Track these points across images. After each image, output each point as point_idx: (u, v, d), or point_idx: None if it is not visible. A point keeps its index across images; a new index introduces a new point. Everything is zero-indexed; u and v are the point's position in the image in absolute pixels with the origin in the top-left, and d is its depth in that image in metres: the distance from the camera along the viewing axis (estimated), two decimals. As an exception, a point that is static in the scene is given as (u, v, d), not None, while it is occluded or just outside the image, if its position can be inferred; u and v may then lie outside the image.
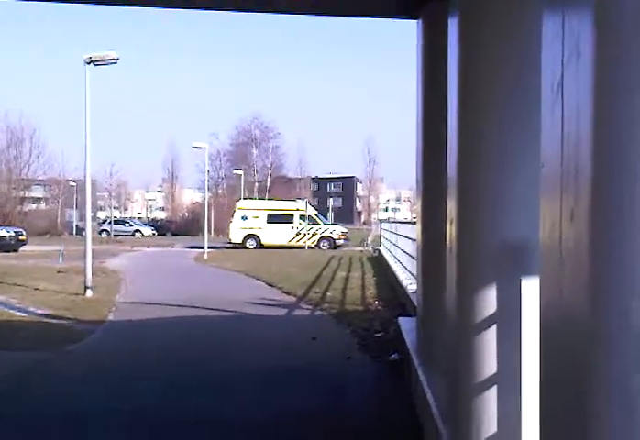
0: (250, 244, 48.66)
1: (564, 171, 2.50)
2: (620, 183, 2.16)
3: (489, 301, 4.60)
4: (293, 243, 48.71)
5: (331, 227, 50.95)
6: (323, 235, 49.29)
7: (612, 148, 2.19)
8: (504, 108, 4.67)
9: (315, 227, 49.36)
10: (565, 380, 2.56)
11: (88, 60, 20.88)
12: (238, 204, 52.12)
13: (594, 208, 2.25)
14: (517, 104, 4.59)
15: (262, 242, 48.57)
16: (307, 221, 49.12)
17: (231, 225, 50.42)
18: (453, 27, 5.42)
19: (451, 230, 5.26)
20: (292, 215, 49.74)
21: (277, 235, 48.79)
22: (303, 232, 49.06)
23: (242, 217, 49.43)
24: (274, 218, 49.44)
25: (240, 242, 48.84)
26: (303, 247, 47.27)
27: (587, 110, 2.28)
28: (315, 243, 48.80)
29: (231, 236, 49.91)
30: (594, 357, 2.29)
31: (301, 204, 51.15)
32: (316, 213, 52.66)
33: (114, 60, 21.29)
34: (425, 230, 8.18)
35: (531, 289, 4.38)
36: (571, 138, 2.42)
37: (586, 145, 2.29)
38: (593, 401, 2.30)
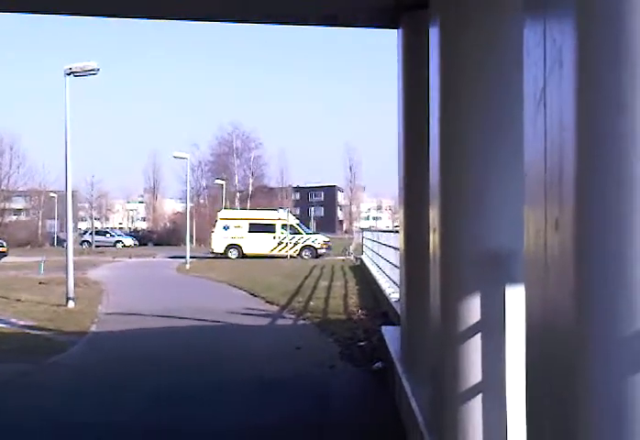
0: (232, 253, 48.59)
1: (547, 180, 2.50)
2: (604, 191, 2.17)
3: (473, 309, 4.60)
4: (275, 252, 48.65)
5: (313, 236, 50.96)
6: (305, 244, 49.28)
7: (596, 156, 2.19)
8: (486, 117, 4.69)
9: (297, 237, 49.35)
10: (550, 388, 2.56)
11: (68, 71, 20.84)
12: (220, 214, 52.11)
13: (579, 216, 2.26)
14: (499, 113, 4.60)
15: (244, 252, 48.49)
16: (289, 230, 49.09)
17: (213, 234, 50.35)
18: (434, 35, 5.44)
19: (434, 239, 5.27)
20: (274, 225, 49.71)
21: (259, 244, 48.72)
22: (284, 241, 49.02)
23: (224, 227, 49.36)
24: (256, 228, 49.38)
25: (222, 252, 48.75)
26: (286, 257, 47.22)
27: (570, 118, 2.28)
28: (297, 252, 48.78)
29: (213, 246, 49.85)
30: (579, 364, 2.29)
31: (282, 214, 51.11)
32: (298, 222, 52.67)
33: (94, 71, 21.26)
34: (408, 238, 8.18)
35: (515, 297, 4.38)
36: (555, 147, 2.43)
37: (569, 153, 2.29)
38: (579, 408, 2.30)
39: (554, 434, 2.54)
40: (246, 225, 49.50)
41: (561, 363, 2.42)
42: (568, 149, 2.31)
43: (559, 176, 2.37)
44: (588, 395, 2.26)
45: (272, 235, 49.33)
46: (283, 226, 49.36)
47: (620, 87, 2.13)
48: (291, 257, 47.45)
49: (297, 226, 50.58)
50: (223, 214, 52.24)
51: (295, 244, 49.06)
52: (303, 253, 48.75)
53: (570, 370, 2.34)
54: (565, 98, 2.33)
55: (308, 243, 49.37)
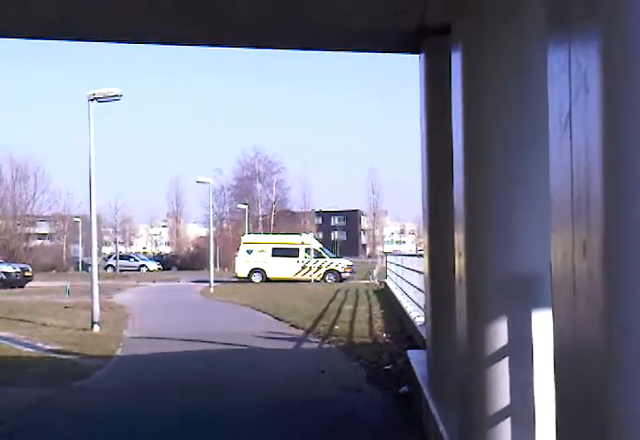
0: (256, 277, 48.53)
1: (574, 204, 2.52)
2: (632, 215, 2.18)
3: (500, 332, 4.60)
4: (299, 276, 48.55)
5: (336, 260, 50.82)
6: (328, 268, 49.14)
7: (622, 181, 2.20)
8: (509, 140, 4.71)
9: (321, 261, 49.24)
10: (580, 412, 2.55)
11: (91, 97, 20.99)
12: (244, 239, 52.11)
13: (607, 240, 2.26)
14: (522, 136, 4.62)
15: (268, 276, 48.44)
16: (312, 254, 49.03)
17: (236, 258, 50.38)
18: (456, 60, 5.47)
19: (460, 263, 5.27)
20: (298, 249, 49.62)
21: (282, 268, 48.64)
22: (308, 265, 48.94)
23: (247, 251, 49.35)
24: (279, 252, 49.32)
25: (246, 276, 48.72)
26: (309, 281, 47.17)
27: (596, 143, 2.30)
28: (321, 276, 48.65)
29: (237, 270, 49.84)
30: (610, 388, 2.29)
31: (306, 238, 51.09)
32: (321, 246, 52.61)
33: (117, 97, 21.41)
34: (433, 262, 8.18)
35: (542, 321, 4.38)
36: (581, 171, 2.44)
37: (596, 177, 2.30)
38: (611, 432, 2.30)
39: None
40: (269, 249, 49.46)
41: (591, 387, 2.42)
42: (594, 174, 2.32)
43: (586, 200, 2.39)
44: (619, 419, 2.25)
45: (296, 259, 49.24)
46: (307, 250, 49.31)
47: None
48: (314, 281, 47.37)
49: (320, 250, 50.51)
50: (246, 238, 52.23)
51: (319, 268, 48.96)
52: (327, 277, 48.61)
53: (601, 395, 2.34)
54: (590, 123, 2.34)
55: (332, 267, 49.23)
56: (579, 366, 2.55)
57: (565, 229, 2.63)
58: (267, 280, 47.84)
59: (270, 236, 57.99)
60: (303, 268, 49.03)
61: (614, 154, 2.23)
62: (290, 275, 48.25)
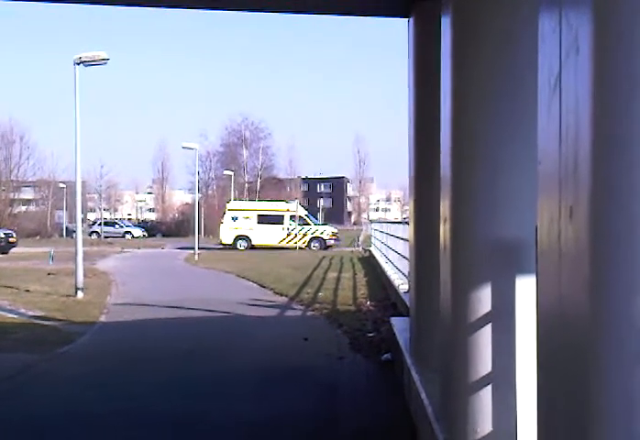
0: (241, 245, 48.59)
1: (562, 168, 2.48)
2: (620, 179, 2.14)
3: (483, 299, 4.58)
4: (284, 244, 48.64)
5: (321, 228, 50.90)
6: (313, 235, 49.24)
7: (612, 144, 2.16)
8: (498, 106, 4.66)
9: (306, 228, 49.31)
10: (564, 378, 2.54)
11: (78, 61, 20.79)
12: (229, 205, 51.99)
13: (594, 205, 2.23)
14: (512, 103, 4.57)
15: (253, 243, 48.50)
16: (298, 221, 49.06)
17: (221, 226, 50.33)
18: (446, 25, 5.39)
19: (445, 229, 5.24)
20: (283, 216, 49.66)
21: (268, 235, 48.70)
22: (293, 233, 48.99)
23: (232, 218, 49.32)
24: (265, 219, 49.35)
25: (231, 243, 48.76)
26: (294, 248, 47.26)
27: (586, 105, 2.26)
28: (306, 243, 48.74)
29: (222, 237, 49.82)
30: (593, 354, 2.27)
31: (291, 205, 51.09)
32: (307, 213, 52.62)
33: (104, 61, 21.20)
34: (418, 229, 8.15)
35: (526, 287, 4.37)
36: (570, 134, 2.40)
37: (585, 140, 2.26)
38: (593, 398, 2.28)
39: (566, 423, 2.52)
40: (254, 216, 49.46)
41: (574, 353, 2.40)
42: (583, 137, 2.28)
43: (574, 163, 2.35)
44: (601, 384, 2.24)
45: (281, 226, 49.28)
46: (292, 218, 49.33)
47: (637, 73, 2.11)
48: (299, 248, 47.46)
49: (306, 218, 50.55)
50: (232, 205, 52.09)
51: (304, 235, 49.03)
52: (312, 244, 48.72)
53: (584, 360, 2.32)
54: (581, 84, 2.30)
55: (317, 234, 49.33)
56: (562, 331, 2.53)
57: (552, 193, 2.60)
58: (252, 247, 47.88)
59: (256, 203, 58.00)
60: (288, 235, 49.12)
61: (605, 116, 2.19)
62: (275, 242, 48.37)
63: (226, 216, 49.92)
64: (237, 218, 49.23)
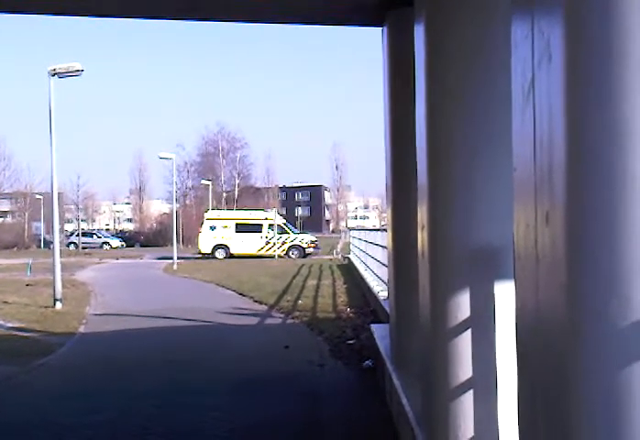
0: (220, 254, 48.49)
1: (537, 174, 2.50)
2: (594, 184, 2.17)
3: (462, 305, 4.61)
4: (263, 252, 48.58)
5: (300, 236, 50.86)
6: (292, 243, 49.18)
7: (586, 149, 2.19)
8: (473, 113, 4.69)
9: (285, 236, 49.26)
10: (543, 382, 2.56)
11: (52, 72, 20.72)
12: (207, 215, 51.88)
13: (570, 209, 2.25)
14: (486, 109, 4.61)
15: (232, 252, 48.41)
16: (276, 230, 49.03)
17: (200, 235, 50.18)
18: (419, 33, 5.43)
19: (423, 236, 5.27)
20: (261, 225, 49.57)
21: (246, 244, 48.63)
22: (272, 241, 48.94)
23: (211, 227, 49.20)
24: (243, 228, 49.25)
25: (210, 252, 48.64)
26: (273, 257, 47.23)
27: (559, 112, 2.28)
28: (285, 252, 48.69)
29: (200, 247, 49.67)
30: (570, 358, 2.29)
31: (269, 214, 51.05)
32: (285, 222, 52.60)
33: (78, 72, 21.13)
34: (396, 237, 8.18)
35: (504, 293, 4.40)
36: (544, 141, 2.43)
37: (559, 147, 2.29)
38: (571, 401, 2.30)
39: (547, 427, 2.54)
40: (233, 225, 49.36)
41: (553, 357, 2.42)
42: (557, 142, 2.30)
43: (549, 169, 2.37)
44: (579, 388, 2.26)
45: (260, 234, 49.20)
46: (270, 226, 49.28)
47: (609, 79, 2.13)
48: (278, 256, 47.43)
49: (284, 226, 50.49)
50: (210, 214, 51.99)
51: (283, 243, 48.99)
52: (291, 253, 48.68)
53: (562, 364, 2.34)
54: (554, 91, 2.32)
55: (296, 243, 49.28)
56: (540, 336, 2.55)
57: (527, 199, 2.62)
58: (231, 256, 47.80)
59: (234, 212, 57.86)
60: (266, 243, 49.06)
61: (578, 122, 2.22)
62: (253, 251, 48.31)
63: (205, 226, 49.78)
64: (215, 227, 49.12)
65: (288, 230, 50.27)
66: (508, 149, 2.94)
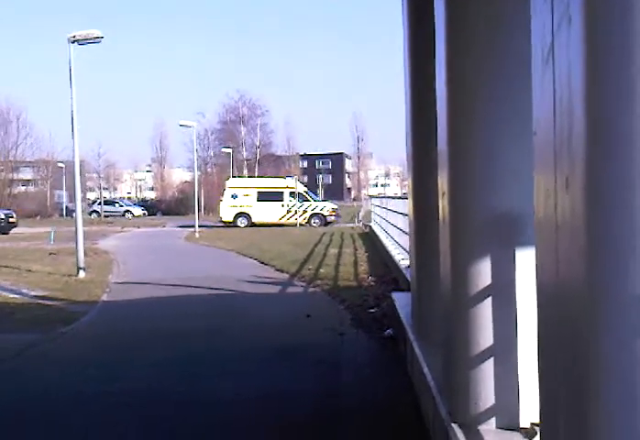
0: (241, 222, 48.45)
1: (557, 139, 2.47)
2: (615, 148, 2.14)
3: (483, 272, 4.59)
4: (284, 221, 48.53)
5: (321, 204, 50.73)
6: (314, 212, 49.07)
7: (606, 114, 2.15)
8: (495, 80, 4.64)
9: (306, 204, 49.15)
10: (562, 349, 2.54)
11: (72, 39, 20.67)
12: (228, 183, 51.70)
13: (589, 175, 2.22)
14: (508, 74, 4.55)
15: (253, 220, 48.38)
16: (298, 198, 48.92)
17: (221, 203, 50.18)
18: (439, 1, 5.36)
19: (443, 203, 5.23)
20: (283, 193, 49.46)
21: (268, 212, 48.54)
22: (293, 209, 48.87)
23: (232, 196, 49.13)
24: (264, 196, 49.11)
25: (231, 220, 48.62)
26: (295, 225, 47.20)
27: (579, 75, 2.24)
28: (306, 220, 48.62)
29: (222, 215, 49.68)
30: (591, 325, 2.27)
31: (291, 182, 50.90)
32: (306, 190, 52.45)
33: (98, 39, 21.07)
34: (417, 204, 8.14)
35: (526, 259, 4.37)
36: (563, 105, 2.39)
37: (579, 111, 2.25)
38: (592, 369, 2.29)
39: (567, 395, 2.53)
40: (254, 193, 49.26)
41: (573, 324, 2.41)
42: (577, 107, 2.27)
43: (569, 134, 2.34)
44: (599, 354, 2.24)
45: (281, 203, 49.12)
46: (292, 194, 49.17)
47: (630, 41, 2.09)
48: (300, 225, 47.41)
49: (306, 194, 50.37)
50: (231, 182, 51.77)
51: (304, 212, 48.90)
52: (312, 221, 48.59)
53: (582, 331, 2.33)
54: (573, 54, 2.28)
55: (317, 211, 49.16)
56: (560, 303, 2.53)
57: (547, 164, 2.59)
58: (252, 224, 47.78)
59: (255, 179, 57.58)
60: (288, 212, 48.97)
61: (598, 85, 2.18)
62: (275, 219, 48.27)
63: (226, 194, 49.71)
64: (236, 196, 49.03)
65: (309, 198, 50.14)
66: (530, 115, 2.90)
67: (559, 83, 2.43)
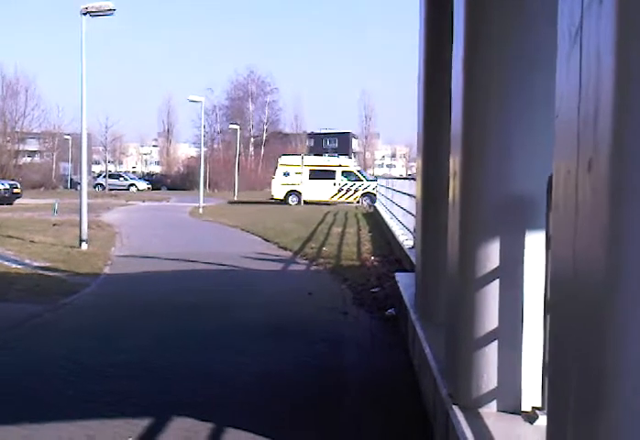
0: (292, 200, 48.03)
1: (581, 120, 2.42)
2: (641, 132, 2.09)
3: (492, 255, 4.55)
4: (336, 199, 48.05)
5: (373, 184, 49.01)
6: (365, 191, 48.07)
7: (634, 97, 2.11)
8: (511, 59, 4.57)
9: (358, 184, 48.33)
10: (575, 334, 2.51)
11: (84, 11, 20.60)
12: (280, 160, 50.86)
13: (614, 158, 2.18)
14: (525, 56, 4.49)
15: (304, 198, 47.90)
16: (350, 177, 48.52)
17: (273, 180, 49.91)
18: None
19: (454, 183, 5.18)
20: (335, 171, 48.88)
21: (319, 191, 48.05)
22: (345, 188, 48.30)
23: (284, 173, 48.73)
24: (316, 174, 48.54)
25: (282, 198, 48.36)
26: (348, 203, 46.58)
27: (609, 55, 2.19)
28: (357, 200, 47.84)
29: (273, 192, 49.48)
30: (608, 311, 2.23)
31: (344, 160, 50.46)
32: (359, 169, 51.79)
33: (110, 11, 21.00)
34: (426, 184, 8.09)
35: (535, 242, 4.34)
36: (590, 86, 2.34)
37: (607, 92, 2.20)
38: (606, 354, 2.25)
39: (580, 378, 2.49)
40: (306, 171, 48.73)
41: (588, 309, 2.37)
42: (605, 88, 2.22)
43: (595, 115, 2.29)
44: (618, 341, 2.21)
45: (333, 181, 48.53)
46: (344, 173, 48.74)
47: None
48: (349, 203, 46.77)
49: (358, 173, 49.78)
50: (284, 160, 50.80)
51: (355, 191, 48.16)
52: (363, 200, 47.41)
53: (598, 317, 2.29)
54: (603, 34, 2.23)
55: (368, 190, 48.08)
56: (576, 287, 2.50)
57: (569, 146, 2.54)
58: (303, 202, 47.46)
59: (308, 157, 56.29)
60: (339, 191, 48.47)
61: (628, 67, 2.13)
62: (326, 198, 47.91)
63: (278, 171, 49.36)
64: (288, 173, 48.49)
65: (362, 178, 49.57)
66: (546, 98, 2.85)
67: (587, 64, 2.37)
